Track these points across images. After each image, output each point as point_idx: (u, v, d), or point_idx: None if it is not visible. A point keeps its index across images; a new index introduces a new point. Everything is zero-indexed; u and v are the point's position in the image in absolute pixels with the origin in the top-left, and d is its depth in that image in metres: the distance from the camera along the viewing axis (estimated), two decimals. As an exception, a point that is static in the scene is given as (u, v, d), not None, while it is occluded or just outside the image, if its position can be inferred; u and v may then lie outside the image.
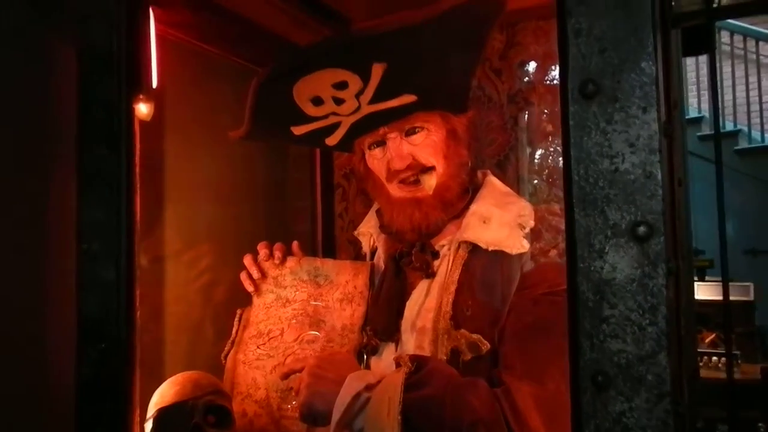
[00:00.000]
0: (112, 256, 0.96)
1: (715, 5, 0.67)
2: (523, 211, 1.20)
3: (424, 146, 1.20)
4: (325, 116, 1.19)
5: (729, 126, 5.66)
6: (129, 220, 0.98)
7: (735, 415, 0.83)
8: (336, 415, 1.01)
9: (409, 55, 1.08)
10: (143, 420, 1.12)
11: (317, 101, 1.15)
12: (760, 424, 1.68)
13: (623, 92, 0.62)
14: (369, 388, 1.03)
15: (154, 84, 1.04)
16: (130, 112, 0.97)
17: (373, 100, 1.13)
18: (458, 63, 1.18)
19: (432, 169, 1.20)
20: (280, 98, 1.14)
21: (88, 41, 0.98)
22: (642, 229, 0.60)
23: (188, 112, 1.60)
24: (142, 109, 1.01)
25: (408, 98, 1.14)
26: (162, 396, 1.11)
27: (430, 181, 1.21)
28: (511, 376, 1.04)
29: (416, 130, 1.20)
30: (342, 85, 1.11)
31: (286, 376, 1.17)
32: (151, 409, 1.12)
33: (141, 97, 0.99)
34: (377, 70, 1.08)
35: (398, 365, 1.06)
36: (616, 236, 0.61)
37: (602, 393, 0.61)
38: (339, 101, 1.14)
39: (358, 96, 1.13)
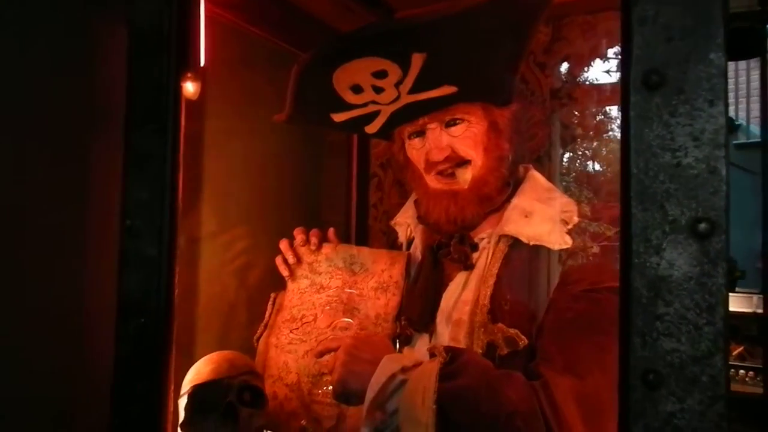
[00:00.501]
0: (155, 234, 0.97)
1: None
2: (566, 207, 1.18)
3: (463, 138, 1.19)
4: (365, 104, 1.18)
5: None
6: (173, 199, 0.98)
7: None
8: (370, 395, 1.01)
9: (450, 45, 1.07)
10: (177, 396, 1.13)
11: (357, 89, 1.14)
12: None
13: (689, 84, 0.60)
14: (404, 370, 1.03)
15: (202, 62, 1.04)
16: (179, 90, 0.98)
17: (413, 90, 1.12)
18: (501, 55, 1.16)
19: (468, 162, 1.19)
20: (320, 85, 1.14)
21: (139, 19, 0.99)
22: (703, 225, 0.58)
23: (228, 94, 1.60)
24: (189, 87, 1.01)
25: (448, 89, 1.12)
26: (198, 373, 1.12)
27: (465, 175, 1.19)
28: (550, 370, 1.02)
29: (456, 121, 1.19)
30: (381, 74, 1.10)
31: (321, 355, 1.17)
32: (186, 386, 1.13)
33: (189, 75, 0.99)
34: (417, 60, 1.07)
35: (432, 355, 1.05)
36: (674, 232, 0.59)
37: (653, 392, 0.59)
38: (378, 90, 1.13)
39: (397, 85, 1.12)
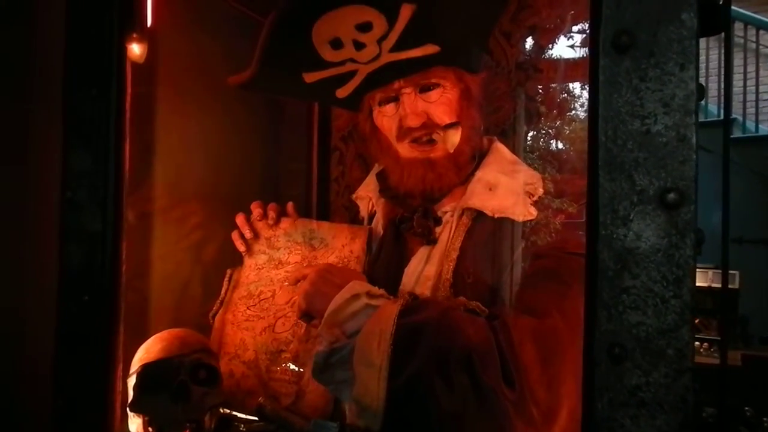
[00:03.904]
0: (98, 206, 0.91)
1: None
2: (531, 179, 1.17)
3: (439, 104, 1.15)
4: (342, 62, 1.13)
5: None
6: (117, 169, 0.92)
7: (724, 398, 0.82)
8: (331, 308, 1.01)
9: None
10: (126, 375, 1.09)
11: (336, 44, 1.09)
12: (746, 408, 1.69)
13: (660, 46, 0.57)
14: (370, 295, 1.02)
15: (149, 23, 0.98)
16: (122, 51, 0.91)
17: (395, 47, 1.08)
18: (483, 15, 1.14)
19: (456, 124, 1.15)
20: (297, 37, 1.08)
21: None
22: (672, 196, 0.56)
23: (182, 61, 1.52)
24: (135, 49, 0.95)
25: (431, 48, 1.09)
26: (147, 352, 1.07)
27: (454, 138, 1.15)
28: (510, 311, 1.03)
29: (432, 86, 1.15)
30: (366, 27, 1.05)
31: (296, 281, 1.18)
32: (136, 365, 1.08)
33: (134, 36, 0.93)
34: (405, 12, 1.02)
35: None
36: (642, 203, 0.57)
37: (618, 366, 0.58)
38: (359, 46, 1.08)
39: (380, 41, 1.07)
